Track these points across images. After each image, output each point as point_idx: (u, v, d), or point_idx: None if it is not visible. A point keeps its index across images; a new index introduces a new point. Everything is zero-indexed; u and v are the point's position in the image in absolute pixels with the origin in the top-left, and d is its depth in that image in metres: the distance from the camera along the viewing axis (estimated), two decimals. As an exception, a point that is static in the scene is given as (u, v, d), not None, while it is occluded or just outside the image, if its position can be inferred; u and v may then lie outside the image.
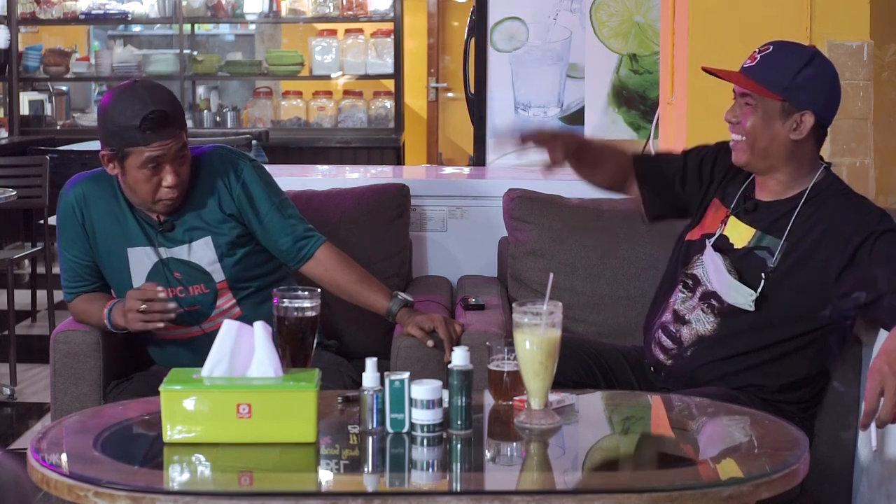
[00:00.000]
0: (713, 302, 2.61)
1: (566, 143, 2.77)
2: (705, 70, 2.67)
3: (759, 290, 2.54)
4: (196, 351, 2.69)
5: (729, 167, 2.73)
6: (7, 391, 4.75)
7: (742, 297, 2.56)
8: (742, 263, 2.58)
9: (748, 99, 2.56)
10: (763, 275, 2.55)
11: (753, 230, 2.60)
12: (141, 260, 2.81)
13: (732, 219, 2.65)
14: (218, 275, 2.82)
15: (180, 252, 2.81)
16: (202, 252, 2.81)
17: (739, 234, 2.62)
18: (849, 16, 3.69)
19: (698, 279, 2.65)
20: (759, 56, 2.56)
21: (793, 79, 2.52)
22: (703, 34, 3.70)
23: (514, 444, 2.16)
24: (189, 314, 2.81)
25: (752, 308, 2.55)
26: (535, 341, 2.12)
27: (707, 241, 2.65)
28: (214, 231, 2.82)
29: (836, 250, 2.51)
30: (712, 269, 2.62)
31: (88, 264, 2.87)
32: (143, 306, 2.66)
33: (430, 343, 2.78)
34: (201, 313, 2.82)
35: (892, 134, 3.89)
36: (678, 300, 2.69)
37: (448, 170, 5.67)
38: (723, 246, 2.63)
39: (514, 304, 2.19)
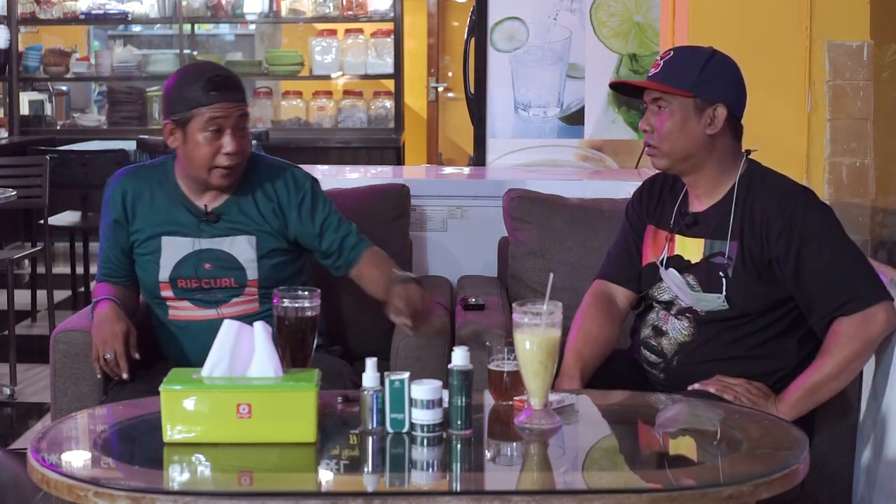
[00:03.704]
0: (688, 314, 2.64)
1: (575, 378, 2.67)
2: (612, 86, 2.74)
3: (723, 291, 2.57)
4: (211, 333, 2.69)
5: (655, 195, 2.76)
6: (7, 391, 4.75)
7: (712, 303, 2.59)
8: (704, 275, 2.61)
9: (660, 102, 2.59)
10: (721, 273, 2.58)
11: (702, 240, 2.63)
12: (173, 248, 2.86)
13: (678, 237, 2.68)
14: (252, 272, 2.85)
15: (220, 243, 2.86)
16: (243, 248, 2.86)
17: (690, 249, 2.65)
18: (849, 16, 3.69)
19: (671, 301, 2.67)
20: (661, 62, 2.62)
21: (699, 74, 2.57)
22: (703, 34, 3.70)
23: (514, 444, 2.16)
24: (209, 300, 2.85)
25: (726, 306, 2.58)
26: (535, 341, 2.12)
27: (660, 266, 2.68)
28: (259, 234, 2.87)
29: (776, 240, 2.54)
30: (677, 289, 2.65)
31: (120, 259, 2.94)
32: (109, 357, 2.71)
33: (404, 325, 2.69)
34: (221, 300, 2.84)
35: (892, 134, 3.89)
36: (654, 318, 2.71)
37: (448, 170, 5.67)
38: (680, 265, 2.65)
39: (514, 304, 2.19)
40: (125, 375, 2.70)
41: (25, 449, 2.01)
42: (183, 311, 2.87)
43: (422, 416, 2.07)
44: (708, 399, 2.46)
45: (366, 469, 2.06)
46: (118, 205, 2.92)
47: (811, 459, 2.00)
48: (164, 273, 2.87)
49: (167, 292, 2.87)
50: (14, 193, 4.97)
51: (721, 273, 2.58)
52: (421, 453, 2.07)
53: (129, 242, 2.93)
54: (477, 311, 3.11)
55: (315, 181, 2.99)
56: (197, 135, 2.75)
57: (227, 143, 2.75)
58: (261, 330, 2.13)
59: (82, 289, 6.54)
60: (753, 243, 2.57)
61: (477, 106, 5.57)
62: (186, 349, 2.86)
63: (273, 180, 2.92)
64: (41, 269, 6.13)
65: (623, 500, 1.83)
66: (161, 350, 2.98)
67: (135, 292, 2.99)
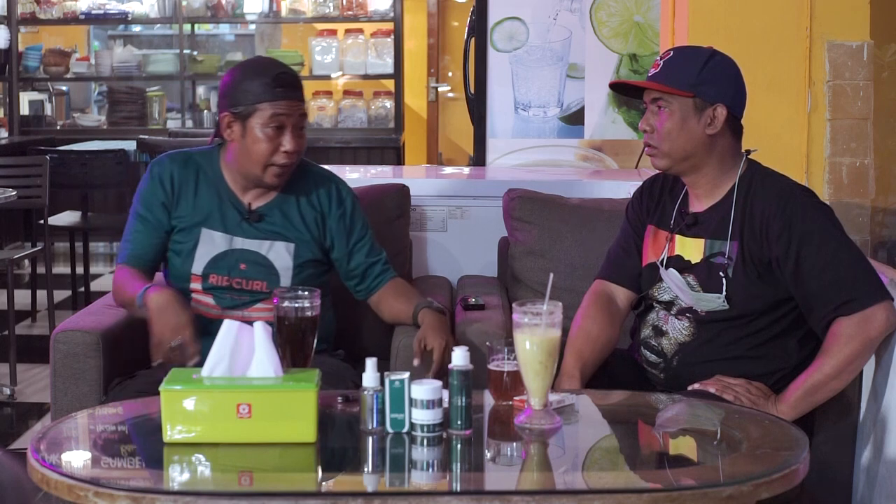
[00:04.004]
0: (688, 314, 2.64)
1: (575, 378, 2.67)
2: (612, 87, 2.73)
3: (723, 291, 2.57)
4: None
5: (655, 195, 2.77)
6: (7, 391, 4.74)
7: (712, 303, 2.60)
8: (705, 275, 2.61)
9: (660, 102, 2.60)
10: (721, 274, 2.58)
11: (702, 240, 2.64)
12: (210, 242, 2.84)
13: (678, 237, 2.68)
14: (286, 280, 2.84)
15: (258, 246, 2.85)
16: (280, 254, 2.86)
17: (691, 249, 2.65)
18: (849, 16, 3.69)
19: (671, 301, 2.67)
20: (661, 62, 2.62)
21: (699, 74, 2.57)
22: (703, 34, 3.70)
23: (514, 444, 2.16)
24: (235, 301, 2.84)
25: (726, 306, 2.58)
26: (535, 341, 2.12)
27: (660, 266, 2.68)
28: (299, 242, 2.87)
29: (776, 240, 2.54)
30: (677, 289, 2.65)
31: (153, 242, 2.88)
32: (176, 343, 2.61)
33: (415, 362, 2.73)
34: (247, 302, 2.84)
35: (892, 134, 3.89)
36: (655, 318, 2.71)
37: (448, 170, 5.67)
38: (680, 265, 2.66)
39: (514, 304, 2.19)
40: (193, 361, 2.60)
41: (25, 449, 2.01)
42: (205, 306, 2.85)
43: (422, 416, 2.07)
44: (708, 399, 2.46)
45: (366, 469, 2.06)
46: (167, 187, 2.87)
47: (811, 459, 2.00)
48: (199, 266, 2.85)
49: (196, 285, 2.85)
50: (14, 193, 4.97)
51: (721, 273, 2.58)
52: (421, 453, 2.07)
53: (171, 226, 2.88)
54: (477, 311, 3.10)
55: (357, 199, 3.00)
56: (257, 130, 2.75)
57: (287, 141, 2.75)
58: (261, 330, 2.13)
59: (82, 289, 6.54)
60: (753, 243, 2.57)
61: (477, 106, 5.57)
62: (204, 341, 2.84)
63: (318, 189, 2.92)
64: (41, 269, 6.13)
65: (623, 500, 1.83)
66: None
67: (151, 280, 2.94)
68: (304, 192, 2.91)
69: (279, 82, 2.75)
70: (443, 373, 2.61)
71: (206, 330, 2.82)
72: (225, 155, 2.88)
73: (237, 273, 2.83)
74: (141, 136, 6.79)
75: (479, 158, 5.55)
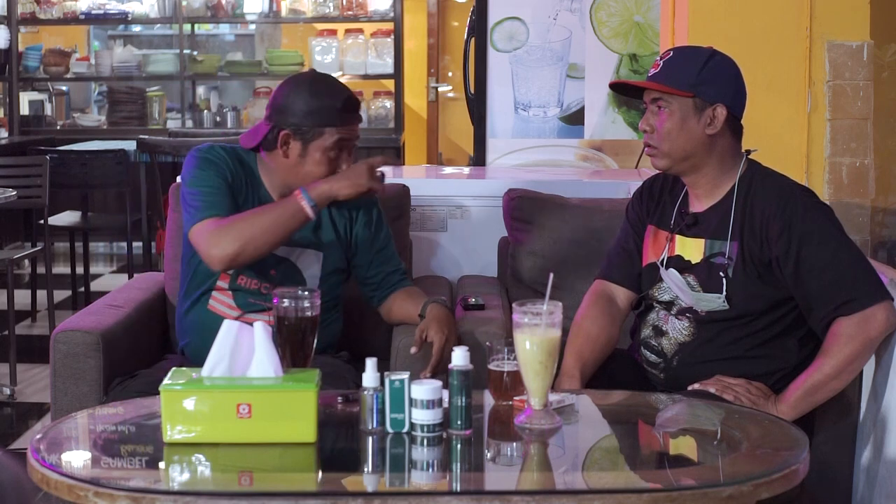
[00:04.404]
0: (688, 314, 2.64)
1: (575, 378, 2.67)
2: (612, 87, 2.73)
3: (723, 291, 2.57)
4: None
5: (656, 196, 2.77)
6: (7, 391, 4.74)
7: (712, 303, 2.60)
8: (705, 275, 2.61)
9: (660, 103, 2.60)
10: (721, 274, 2.58)
11: (703, 240, 2.64)
12: None
13: (678, 238, 2.68)
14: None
15: (289, 252, 2.84)
16: (310, 262, 2.86)
17: (691, 249, 2.65)
18: (849, 16, 3.69)
19: (671, 301, 2.67)
20: (661, 63, 2.62)
21: (699, 74, 2.57)
22: (703, 34, 3.70)
23: (514, 444, 2.16)
24: (255, 305, 2.83)
25: (726, 306, 2.58)
26: (535, 341, 2.12)
27: (660, 266, 2.68)
28: (328, 251, 2.88)
29: (776, 240, 2.54)
30: (677, 289, 2.65)
31: (230, 202, 2.77)
32: (382, 168, 2.74)
33: (413, 350, 2.75)
34: (268, 308, 2.82)
35: (892, 134, 3.90)
36: (655, 318, 2.71)
37: (448, 170, 5.68)
38: (680, 265, 2.66)
39: (514, 304, 2.19)
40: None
41: (25, 449, 2.01)
42: (223, 306, 2.84)
43: (422, 416, 2.07)
44: (708, 399, 2.46)
45: (366, 469, 2.07)
46: (227, 167, 2.80)
47: (811, 459, 2.00)
48: None
49: (223, 283, 2.83)
50: (14, 193, 4.97)
51: (721, 273, 2.58)
52: (421, 453, 2.07)
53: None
54: (477, 311, 3.10)
55: (382, 210, 3.01)
56: (319, 153, 2.74)
57: (345, 163, 2.76)
58: (261, 330, 2.13)
59: (82, 289, 6.54)
60: (753, 243, 2.57)
61: (477, 106, 5.57)
62: (206, 344, 2.82)
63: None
64: (41, 269, 6.13)
65: (623, 500, 1.83)
66: (170, 344, 2.97)
67: None
68: (336, 201, 2.87)
69: (348, 107, 2.74)
70: (442, 370, 2.61)
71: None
72: (267, 160, 2.84)
73: (267, 278, 2.82)
74: (141, 136, 6.79)
75: (479, 158, 5.55)
